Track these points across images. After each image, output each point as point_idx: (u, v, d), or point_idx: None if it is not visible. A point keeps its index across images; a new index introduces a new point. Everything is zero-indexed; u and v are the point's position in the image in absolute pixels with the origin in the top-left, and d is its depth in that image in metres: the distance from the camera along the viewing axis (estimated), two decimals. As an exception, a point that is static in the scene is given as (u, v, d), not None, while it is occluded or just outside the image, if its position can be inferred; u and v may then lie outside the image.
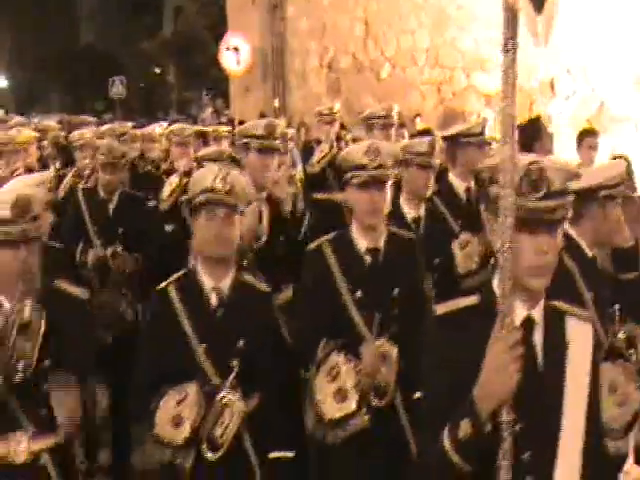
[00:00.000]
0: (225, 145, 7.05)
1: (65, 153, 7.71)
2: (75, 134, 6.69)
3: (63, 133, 8.51)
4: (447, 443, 2.02)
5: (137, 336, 3.50)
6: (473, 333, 2.06)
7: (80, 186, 5.35)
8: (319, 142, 7.09)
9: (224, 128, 8.02)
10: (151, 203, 5.70)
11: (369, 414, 3.23)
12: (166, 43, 31.27)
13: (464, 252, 4.29)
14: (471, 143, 4.57)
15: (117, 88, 21.25)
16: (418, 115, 11.18)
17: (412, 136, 7.37)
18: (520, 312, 2.05)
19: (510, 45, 1.85)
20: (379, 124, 6.15)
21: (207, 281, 3.00)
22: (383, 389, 3.26)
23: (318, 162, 6.72)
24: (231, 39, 12.77)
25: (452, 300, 2.19)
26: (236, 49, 12.26)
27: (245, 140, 4.57)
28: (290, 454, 3.00)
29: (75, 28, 37.27)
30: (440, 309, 2.20)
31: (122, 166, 5.17)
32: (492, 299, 2.06)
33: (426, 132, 7.87)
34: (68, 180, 6.05)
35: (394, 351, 3.25)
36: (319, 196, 6.14)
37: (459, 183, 4.61)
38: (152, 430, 2.83)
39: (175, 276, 3.09)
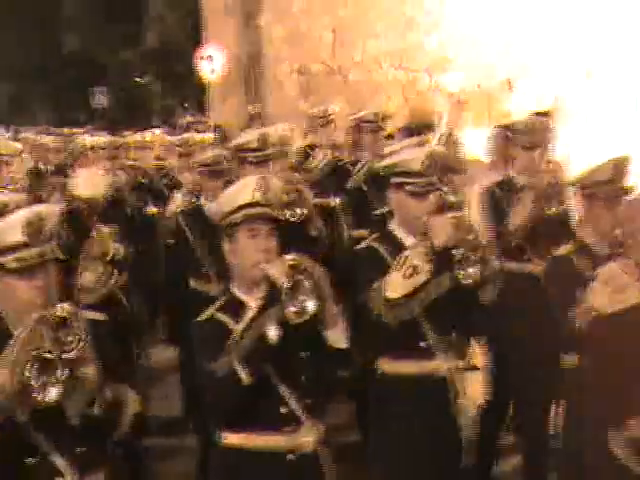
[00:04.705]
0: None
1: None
2: None
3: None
4: (615, 445, 2.03)
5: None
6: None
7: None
8: (314, 146, 7.08)
9: (209, 135, 8.23)
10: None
11: None
12: (148, 52, 31.60)
13: None
14: None
15: (98, 98, 21.54)
16: (388, 117, 11.66)
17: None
18: None
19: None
20: (368, 128, 6.40)
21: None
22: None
23: (317, 166, 6.61)
24: (206, 48, 13.29)
25: (612, 297, 2.27)
26: (211, 58, 12.77)
27: (241, 154, 4.77)
28: None
29: (56, 38, 37.50)
30: (605, 308, 2.28)
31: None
32: None
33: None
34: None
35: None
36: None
37: None
38: None
39: (217, 303, 2.90)
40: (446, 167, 3.76)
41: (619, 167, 3.55)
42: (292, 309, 2.62)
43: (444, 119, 8.10)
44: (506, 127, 5.60)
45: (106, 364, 2.51)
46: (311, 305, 2.65)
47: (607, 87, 10.84)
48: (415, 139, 6.26)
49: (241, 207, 2.80)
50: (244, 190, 2.85)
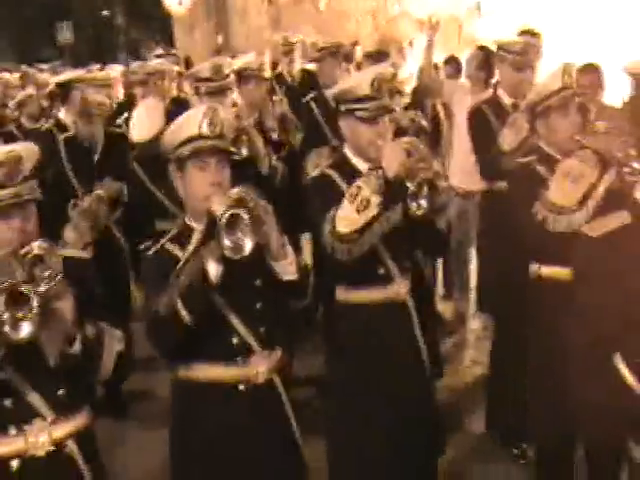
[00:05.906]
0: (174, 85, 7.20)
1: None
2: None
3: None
4: (627, 373, 2.07)
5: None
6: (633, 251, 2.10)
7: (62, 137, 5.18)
8: (280, 75, 7.04)
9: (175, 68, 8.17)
10: None
11: None
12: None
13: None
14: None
15: (65, 34, 21.08)
16: (356, 43, 11.62)
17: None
18: None
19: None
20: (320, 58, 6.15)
21: None
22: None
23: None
24: (172, -21, 13.06)
25: (599, 220, 2.25)
26: (177, -11, 12.58)
27: (195, 84, 4.73)
28: None
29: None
30: (592, 231, 2.24)
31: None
32: None
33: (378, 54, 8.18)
34: None
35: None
36: None
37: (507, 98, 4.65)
38: None
39: (170, 234, 2.80)
40: (394, 89, 3.68)
41: (568, 73, 3.56)
42: (228, 243, 2.51)
43: (419, 44, 7.97)
44: (486, 48, 5.48)
45: (88, 301, 2.45)
46: (248, 243, 2.53)
47: (576, 11, 10.83)
48: (383, 65, 6.22)
49: (189, 140, 2.70)
50: (191, 122, 2.73)
